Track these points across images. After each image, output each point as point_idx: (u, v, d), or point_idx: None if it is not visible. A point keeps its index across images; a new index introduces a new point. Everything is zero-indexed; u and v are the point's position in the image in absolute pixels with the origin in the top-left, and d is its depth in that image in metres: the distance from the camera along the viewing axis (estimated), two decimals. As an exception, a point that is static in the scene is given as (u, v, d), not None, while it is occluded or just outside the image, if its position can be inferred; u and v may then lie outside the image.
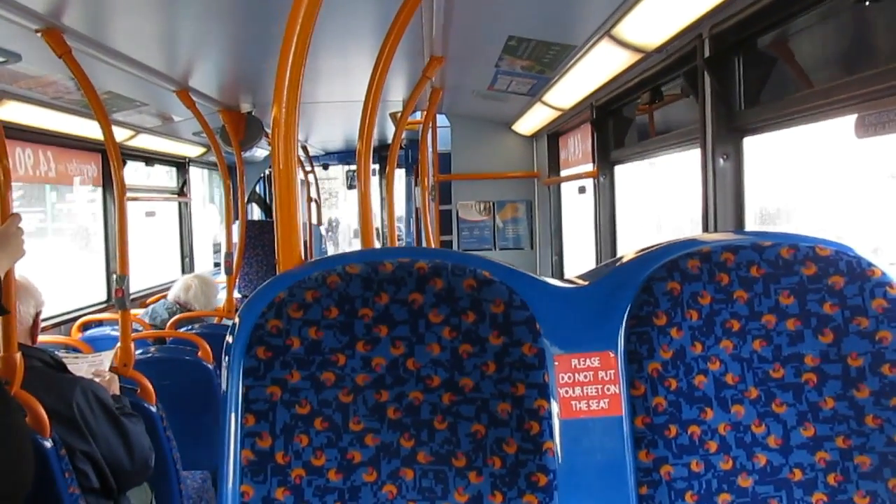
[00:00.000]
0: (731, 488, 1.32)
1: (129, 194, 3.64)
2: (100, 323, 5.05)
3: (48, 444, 2.39)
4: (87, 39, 3.06)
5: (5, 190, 2.52)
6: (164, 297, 5.50)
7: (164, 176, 7.48)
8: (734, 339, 1.34)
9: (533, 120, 5.40)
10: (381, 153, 8.70)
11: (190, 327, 4.63)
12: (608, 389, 1.34)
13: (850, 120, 1.96)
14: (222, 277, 5.81)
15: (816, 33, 2.23)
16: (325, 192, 20.05)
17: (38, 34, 2.83)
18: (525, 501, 1.31)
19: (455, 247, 6.23)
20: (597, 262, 4.56)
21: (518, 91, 4.46)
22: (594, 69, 3.44)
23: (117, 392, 2.99)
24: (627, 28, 2.73)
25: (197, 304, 5.11)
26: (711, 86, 2.58)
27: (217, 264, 8.93)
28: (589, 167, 4.57)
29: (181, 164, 7.40)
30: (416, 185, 8.61)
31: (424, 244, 5.41)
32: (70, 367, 2.83)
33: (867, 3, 1.74)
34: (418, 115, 6.24)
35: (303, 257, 1.54)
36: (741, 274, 1.35)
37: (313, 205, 9.68)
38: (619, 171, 4.36)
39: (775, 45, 2.42)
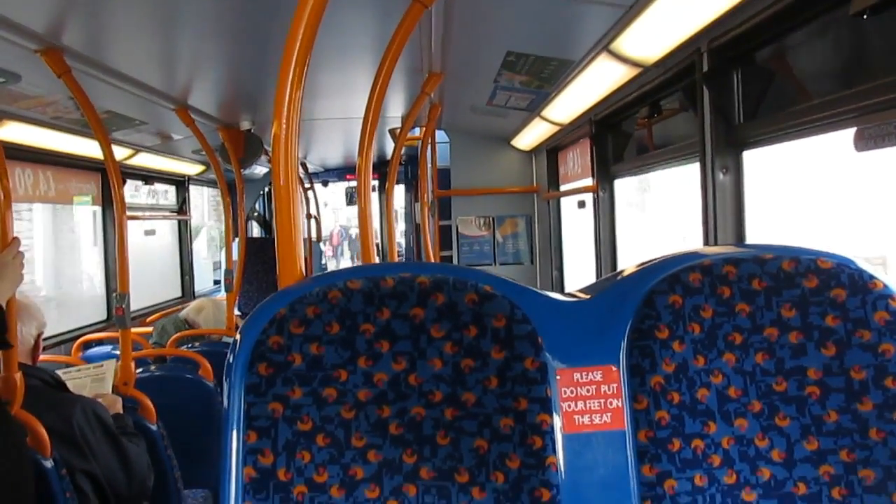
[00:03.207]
0: (735, 502, 1.31)
1: (129, 213, 3.64)
2: (100, 342, 5.05)
3: (49, 464, 2.38)
4: (86, 59, 3.07)
5: (5, 210, 2.52)
6: (167, 314, 5.48)
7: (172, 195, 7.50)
8: (736, 352, 1.34)
9: (532, 135, 5.41)
10: (381, 169, 8.72)
11: (191, 345, 4.62)
12: (611, 403, 1.34)
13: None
14: (222, 295, 5.82)
15: (815, 47, 2.24)
16: (330, 207, 20.15)
17: (38, 54, 2.84)
18: None
19: (455, 262, 6.23)
20: (597, 277, 4.56)
21: (517, 106, 4.47)
22: (593, 84, 3.45)
23: (120, 411, 2.97)
24: (626, 43, 2.73)
25: (206, 327, 5.10)
26: (710, 100, 2.58)
27: (217, 282, 8.94)
28: (588, 181, 4.57)
29: (181, 183, 7.41)
30: (415, 200, 8.62)
31: (424, 260, 5.40)
32: (73, 381, 2.82)
33: (865, 17, 1.75)
34: (417, 131, 6.26)
35: (303, 273, 1.54)
36: (743, 287, 1.35)
37: (312, 221, 9.69)
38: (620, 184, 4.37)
39: (774, 59, 2.42)
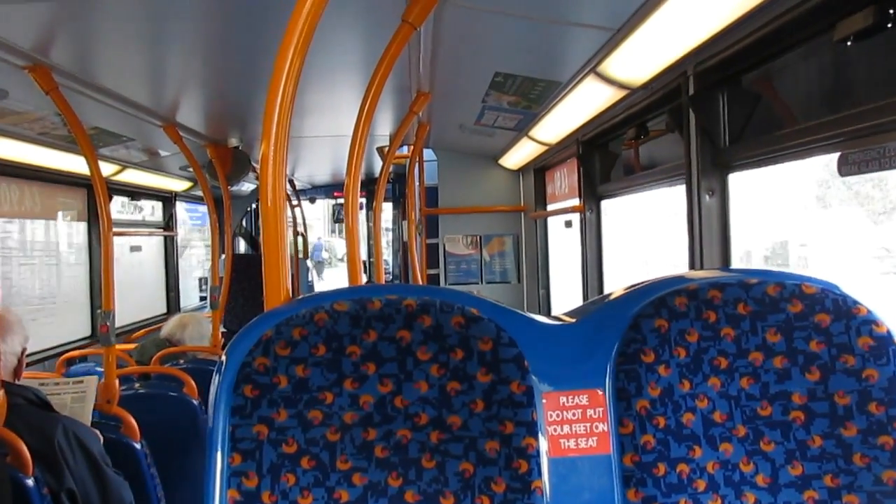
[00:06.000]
0: None
1: (115, 229, 3.63)
2: (84, 358, 5.00)
3: (30, 481, 2.35)
4: (74, 76, 3.06)
5: None
6: (150, 332, 5.44)
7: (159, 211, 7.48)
8: (722, 376, 1.34)
9: (519, 154, 5.43)
10: (369, 187, 8.72)
11: (175, 363, 4.59)
12: (596, 427, 1.34)
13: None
14: (208, 312, 5.78)
15: (800, 72, 2.26)
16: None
17: (26, 71, 2.83)
18: None
19: (442, 281, 6.23)
20: (584, 297, 4.57)
21: (505, 126, 4.48)
22: (580, 105, 3.46)
23: None
24: (613, 65, 2.75)
25: (190, 343, 5.05)
26: (696, 122, 2.60)
27: (203, 298, 8.91)
28: (575, 201, 4.59)
29: (168, 199, 7.39)
30: (403, 218, 8.62)
31: (411, 278, 5.41)
32: (52, 397, 2.78)
33: (849, 44, 1.77)
34: (405, 150, 6.27)
35: (290, 293, 1.53)
36: (728, 311, 1.35)
37: (300, 238, 9.67)
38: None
39: (759, 83, 2.44)
